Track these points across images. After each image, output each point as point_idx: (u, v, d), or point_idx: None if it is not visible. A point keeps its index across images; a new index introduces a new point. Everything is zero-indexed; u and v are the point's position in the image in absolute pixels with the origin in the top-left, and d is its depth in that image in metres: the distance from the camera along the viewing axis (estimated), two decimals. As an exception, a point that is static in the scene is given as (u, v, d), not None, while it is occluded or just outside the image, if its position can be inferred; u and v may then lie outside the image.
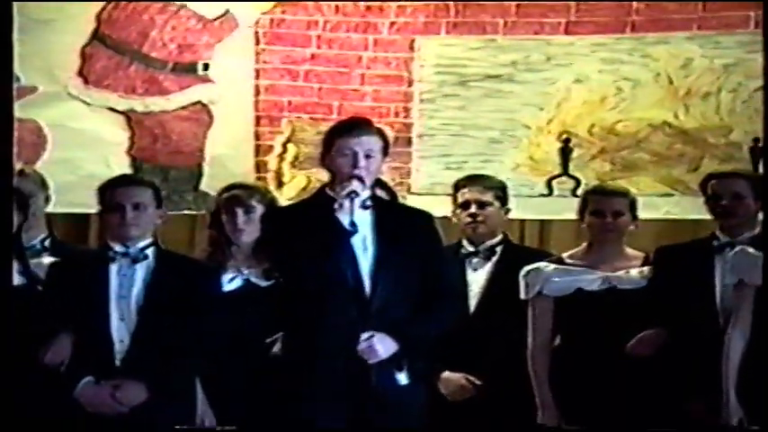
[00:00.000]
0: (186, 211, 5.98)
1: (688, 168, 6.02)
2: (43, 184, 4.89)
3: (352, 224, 3.97)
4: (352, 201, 3.97)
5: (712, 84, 6.03)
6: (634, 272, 4.63)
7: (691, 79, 6.06)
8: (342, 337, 3.94)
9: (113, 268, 4.26)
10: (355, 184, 3.99)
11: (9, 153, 4.27)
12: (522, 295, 4.68)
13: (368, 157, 4.02)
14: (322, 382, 3.93)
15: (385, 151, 4.10)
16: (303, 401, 3.96)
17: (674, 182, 6.04)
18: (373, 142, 4.05)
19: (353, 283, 3.98)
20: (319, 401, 3.93)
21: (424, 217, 4.19)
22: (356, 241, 4.01)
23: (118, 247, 4.28)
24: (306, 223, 4.04)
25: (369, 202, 4.05)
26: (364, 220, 4.04)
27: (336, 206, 3.98)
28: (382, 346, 3.95)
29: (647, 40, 6.07)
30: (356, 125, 4.10)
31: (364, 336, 3.94)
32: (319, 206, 4.04)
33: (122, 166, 5.90)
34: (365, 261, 4.01)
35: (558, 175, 6.11)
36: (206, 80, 6.13)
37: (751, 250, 4.27)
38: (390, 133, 6.03)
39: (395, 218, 4.11)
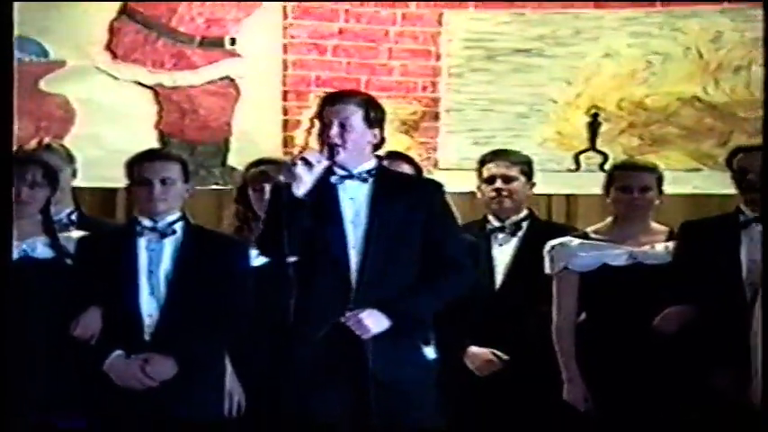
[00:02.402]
0: (213, 186, 5.98)
1: (717, 143, 5.99)
2: (70, 158, 4.91)
3: (310, 194, 3.85)
4: (303, 167, 3.85)
5: (743, 58, 5.99)
6: (659, 247, 4.62)
7: (721, 53, 6.02)
8: (326, 314, 3.88)
9: (142, 243, 4.27)
10: (307, 152, 3.94)
11: (9, 141, 4.28)
12: (547, 270, 4.67)
13: (342, 126, 3.94)
14: (310, 363, 3.89)
15: (369, 122, 3.98)
16: (299, 380, 3.93)
17: (703, 156, 6.01)
18: (350, 111, 3.95)
19: (339, 257, 3.92)
20: (312, 382, 3.89)
21: (431, 186, 4.12)
22: (347, 214, 3.96)
23: (146, 222, 4.29)
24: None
25: (364, 175, 3.98)
26: (360, 192, 3.99)
27: (294, 176, 3.87)
28: (372, 320, 3.87)
29: (677, 13, 6.03)
30: (334, 96, 4.04)
31: (351, 312, 3.88)
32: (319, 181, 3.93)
33: (150, 141, 5.90)
34: (354, 235, 3.95)
35: (586, 150, 6.10)
36: (234, 55, 6.13)
37: (778, 225, 4.26)
38: (420, 107, 6.08)
39: (397, 190, 4.02)
